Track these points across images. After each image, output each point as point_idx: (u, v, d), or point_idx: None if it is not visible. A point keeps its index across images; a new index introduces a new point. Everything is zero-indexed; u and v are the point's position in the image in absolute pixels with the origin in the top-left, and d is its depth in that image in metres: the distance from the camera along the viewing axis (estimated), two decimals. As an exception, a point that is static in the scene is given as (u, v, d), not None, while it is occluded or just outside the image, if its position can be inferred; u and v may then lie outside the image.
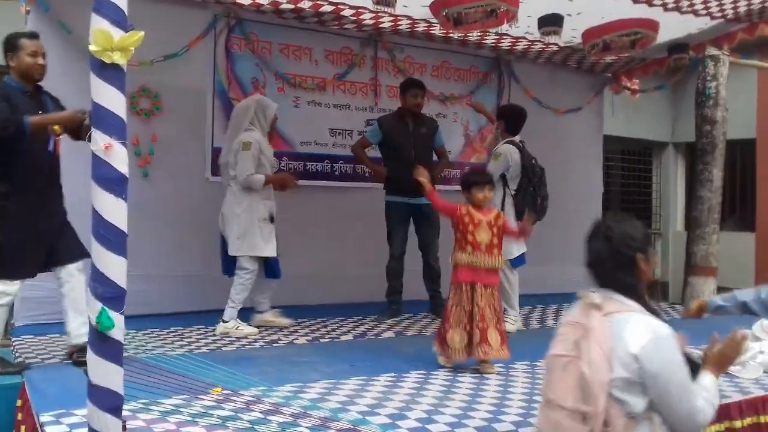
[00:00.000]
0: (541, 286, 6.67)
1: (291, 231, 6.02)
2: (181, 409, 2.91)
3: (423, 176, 4.09)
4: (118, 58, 2.01)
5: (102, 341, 2.03)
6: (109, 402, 2.07)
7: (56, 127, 3.62)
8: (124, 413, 2.72)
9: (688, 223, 7.66)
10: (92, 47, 2.03)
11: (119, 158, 2.03)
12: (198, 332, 4.77)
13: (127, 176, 2.06)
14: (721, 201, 7.27)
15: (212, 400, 3.06)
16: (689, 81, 8.15)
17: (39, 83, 3.74)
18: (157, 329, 4.74)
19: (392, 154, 5.54)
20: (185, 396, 3.12)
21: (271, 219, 4.93)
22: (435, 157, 5.79)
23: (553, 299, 6.56)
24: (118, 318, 2.02)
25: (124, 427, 2.14)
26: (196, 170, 5.63)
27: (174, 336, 4.62)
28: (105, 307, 2.00)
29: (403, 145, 5.51)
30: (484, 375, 3.72)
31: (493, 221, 3.86)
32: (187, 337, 4.60)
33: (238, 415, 2.84)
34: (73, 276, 3.76)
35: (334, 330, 5.05)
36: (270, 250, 4.89)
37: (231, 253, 4.81)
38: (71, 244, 3.77)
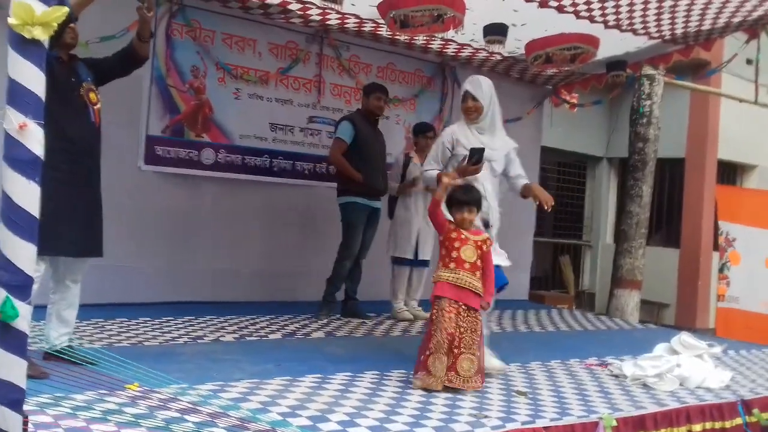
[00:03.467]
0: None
1: (225, 225, 5.95)
2: (93, 406, 2.79)
3: (450, 179, 3.64)
4: (39, 34, 1.90)
5: (5, 332, 1.92)
6: (10, 395, 1.96)
7: (92, 95, 3.43)
8: (31, 408, 2.62)
9: (616, 237, 7.86)
10: (11, 20, 1.92)
11: (34, 139, 1.92)
12: (120, 325, 4.61)
13: (42, 158, 1.95)
14: (648, 216, 7.50)
15: (127, 397, 2.94)
16: (625, 98, 8.38)
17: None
18: (77, 320, 4.49)
19: (362, 156, 5.42)
20: (99, 392, 2.99)
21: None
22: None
23: (503, 305, 6.61)
24: (23, 308, 1.92)
25: (25, 422, 2.03)
26: (128, 158, 5.45)
27: (94, 328, 4.45)
28: (10, 296, 1.89)
29: (372, 148, 5.48)
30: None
31: (481, 242, 3.63)
32: (108, 330, 4.44)
33: (153, 413, 2.74)
34: (68, 288, 3.53)
35: (263, 328, 4.97)
36: None
37: None
38: (92, 238, 3.49)
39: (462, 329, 3.50)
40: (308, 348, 4.46)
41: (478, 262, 3.60)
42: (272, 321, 5.24)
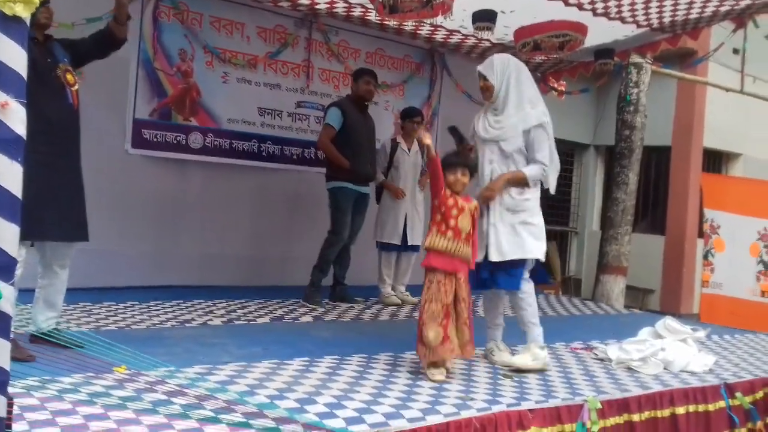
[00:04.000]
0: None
1: (214, 209, 5.93)
2: (80, 389, 2.79)
3: (428, 139, 3.70)
4: (21, 11, 1.88)
5: (-10, 313, 1.91)
6: (-5, 378, 1.95)
7: (69, 76, 3.38)
8: (17, 390, 2.61)
9: (603, 223, 7.91)
10: (-8, -3, 1.89)
11: (16, 118, 1.90)
12: (108, 309, 4.60)
13: (24, 138, 1.94)
14: (635, 204, 7.55)
15: (114, 380, 2.95)
16: (613, 86, 8.41)
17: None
18: (65, 304, 4.47)
19: (350, 142, 5.41)
20: (86, 375, 2.99)
21: None
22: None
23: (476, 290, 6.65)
24: (7, 289, 1.90)
25: (10, 405, 2.02)
26: (115, 141, 5.41)
27: (81, 312, 4.44)
28: (-7, 277, 1.88)
29: (361, 133, 5.47)
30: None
31: (473, 210, 3.60)
32: (95, 314, 4.42)
33: (140, 395, 2.75)
34: (55, 273, 3.50)
35: (251, 312, 4.97)
36: None
37: None
38: (75, 220, 3.44)
39: (459, 298, 3.49)
40: (296, 332, 4.47)
41: (472, 231, 3.57)
42: (260, 305, 5.24)
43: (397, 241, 5.73)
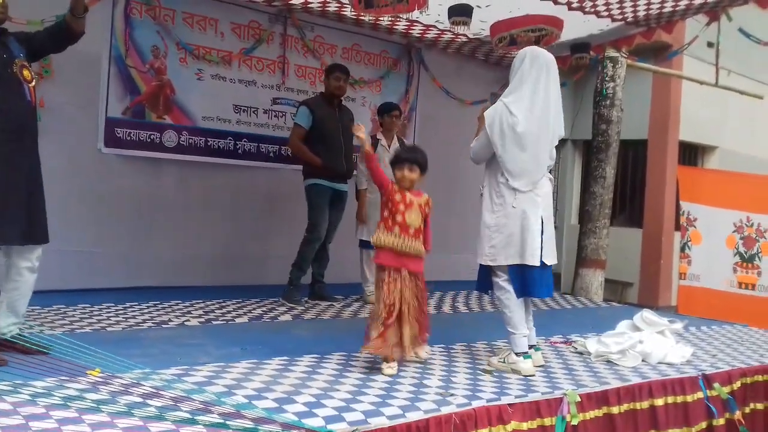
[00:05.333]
0: (441, 274, 6.76)
1: (189, 208, 5.87)
2: (54, 392, 2.73)
3: (361, 132, 3.62)
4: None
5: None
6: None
7: (26, 72, 3.26)
8: (-13, 395, 2.56)
9: (581, 217, 7.95)
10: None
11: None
12: (82, 311, 4.53)
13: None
14: (612, 197, 7.60)
15: (88, 383, 2.89)
16: (589, 80, 8.45)
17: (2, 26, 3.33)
18: (38, 307, 4.43)
19: (321, 139, 5.37)
20: (59, 378, 2.93)
21: None
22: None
23: (452, 286, 6.66)
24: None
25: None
26: (87, 140, 5.33)
27: (56, 314, 4.36)
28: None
29: (333, 130, 5.42)
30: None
31: (424, 204, 3.57)
32: (69, 316, 4.35)
33: (115, 398, 2.70)
34: (22, 277, 3.35)
35: (229, 312, 4.92)
36: None
37: None
38: (35, 221, 3.31)
39: (405, 297, 3.43)
40: (275, 331, 4.43)
41: (422, 226, 3.54)
42: (239, 305, 5.19)
43: (373, 237, 5.70)
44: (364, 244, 5.74)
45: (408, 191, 3.54)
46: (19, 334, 3.42)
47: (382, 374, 3.41)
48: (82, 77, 5.21)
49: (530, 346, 3.81)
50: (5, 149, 3.18)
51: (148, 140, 5.58)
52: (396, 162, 3.56)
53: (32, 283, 3.43)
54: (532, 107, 3.70)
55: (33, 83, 3.34)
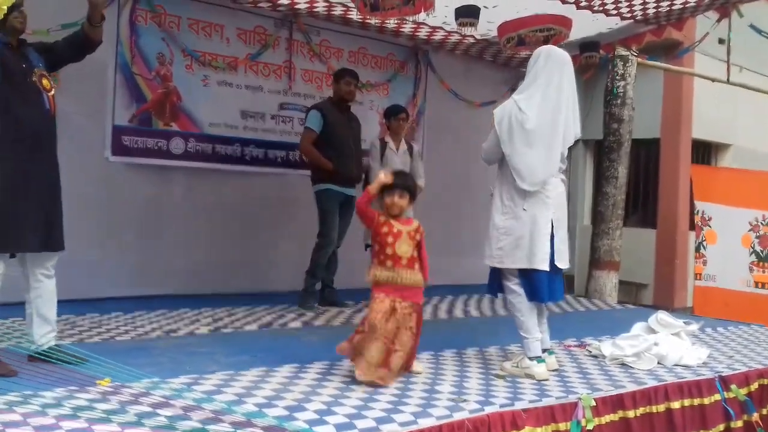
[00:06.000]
0: (451, 277, 6.72)
1: (197, 215, 5.85)
2: (63, 403, 2.71)
3: (387, 179, 3.44)
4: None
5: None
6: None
7: (45, 81, 3.29)
8: (0, 407, 2.53)
9: (593, 218, 7.88)
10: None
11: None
12: (91, 321, 4.51)
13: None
14: (625, 198, 7.53)
15: (98, 393, 2.86)
16: (600, 80, 8.38)
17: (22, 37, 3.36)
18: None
19: (332, 143, 5.33)
20: (69, 388, 2.91)
21: None
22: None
23: (464, 290, 6.60)
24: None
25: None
26: (94, 149, 5.32)
27: (65, 324, 4.34)
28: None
29: (344, 135, 5.39)
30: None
31: (414, 232, 3.45)
32: (78, 326, 4.33)
33: (125, 408, 2.67)
34: (41, 282, 3.39)
35: (238, 319, 4.88)
36: None
37: None
38: (53, 229, 3.34)
39: (399, 324, 3.32)
40: (285, 338, 4.40)
41: (415, 254, 3.43)
42: (248, 312, 5.16)
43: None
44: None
45: (396, 220, 3.44)
46: (56, 345, 3.43)
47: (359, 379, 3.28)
48: (88, 85, 5.20)
49: (544, 350, 3.75)
50: (25, 157, 3.22)
51: (155, 148, 5.56)
52: (386, 188, 3.45)
53: (53, 289, 3.45)
54: (544, 105, 3.65)
55: (52, 92, 3.38)
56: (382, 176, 3.44)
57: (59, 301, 4.57)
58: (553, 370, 3.72)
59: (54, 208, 3.40)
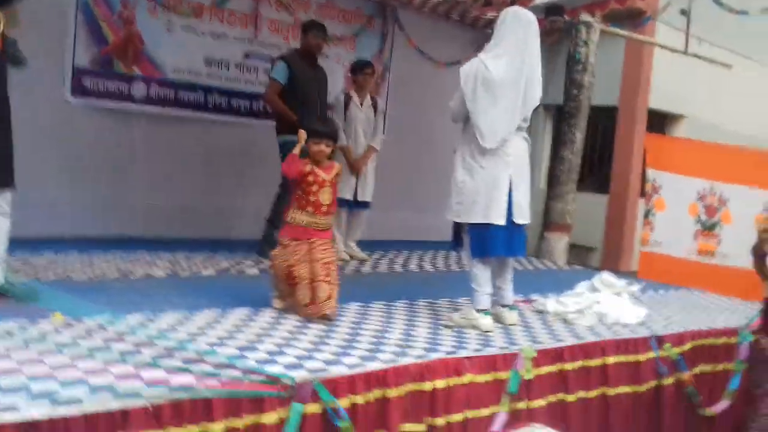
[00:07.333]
0: (410, 233, 6.85)
1: (159, 160, 5.83)
2: (14, 334, 2.76)
3: (302, 140, 3.70)
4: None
5: None
6: None
7: None
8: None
9: (549, 182, 8.04)
10: None
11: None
12: (47, 260, 4.51)
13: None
14: (580, 163, 7.68)
15: (51, 327, 2.92)
16: (563, 45, 8.44)
17: None
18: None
19: (297, 96, 5.30)
20: (19, 321, 2.95)
21: None
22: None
23: (421, 246, 6.74)
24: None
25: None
26: (55, 90, 5.24)
27: (21, 263, 4.33)
28: None
29: (310, 87, 5.37)
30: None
31: (334, 178, 3.70)
32: (33, 265, 4.34)
33: (77, 341, 2.73)
34: None
35: (196, 264, 4.93)
36: None
37: None
38: (3, 166, 3.31)
39: (326, 260, 3.57)
40: (242, 284, 4.48)
41: (333, 199, 3.69)
42: (207, 258, 5.20)
43: (349, 195, 5.72)
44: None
45: (320, 168, 3.64)
46: (8, 282, 3.43)
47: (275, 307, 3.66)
48: (49, 24, 5.11)
49: (506, 305, 3.92)
50: None
51: (117, 91, 5.51)
52: (314, 135, 3.64)
53: (6, 228, 3.45)
54: (509, 65, 3.74)
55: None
56: (304, 135, 3.66)
57: (14, 239, 4.58)
58: (512, 325, 3.89)
59: (3, 143, 3.35)
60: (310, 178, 3.60)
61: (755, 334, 3.95)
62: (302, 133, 3.71)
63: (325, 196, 3.62)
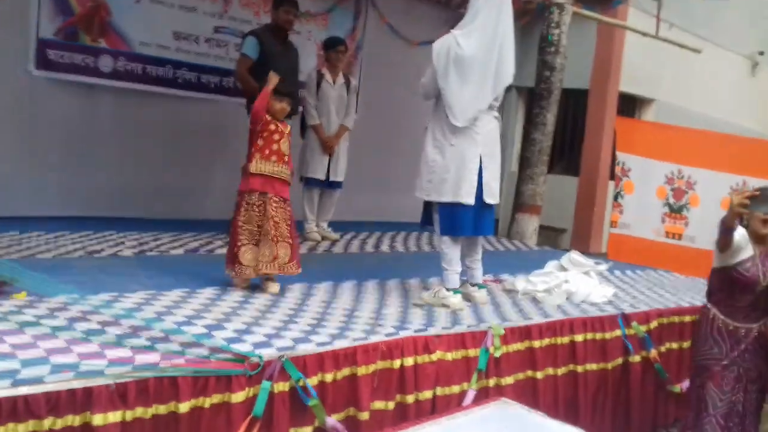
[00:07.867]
0: (381, 214, 6.83)
1: (126, 137, 5.72)
2: (-25, 313, 2.69)
3: (274, 82, 3.74)
4: None
5: None
6: None
7: None
8: None
9: (520, 163, 8.08)
10: None
11: None
12: (11, 238, 4.40)
13: None
14: (551, 145, 7.72)
15: (13, 306, 2.85)
16: (536, 27, 8.45)
17: None
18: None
19: (267, 71, 5.17)
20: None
21: None
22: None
23: (393, 227, 6.73)
24: None
25: None
26: (17, 62, 5.09)
27: (-20, 240, 4.24)
28: None
29: (280, 64, 5.26)
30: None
31: (288, 133, 3.81)
32: (-4, 242, 4.24)
33: (40, 321, 2.67)
34: None
35: (164, 244, 4.86)
36: None
37: None
38: None
39: (276, 219, 3.61)
40: (211, 264, 4.39)
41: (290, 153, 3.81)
42: (174, 238, 5.12)
43: (321, 176, 5.68)
44: (307, 182, 5.73)
45: (279, 122, 3.74)
46: None
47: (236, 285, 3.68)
48: (10, -6, 4.95)
49: (475, 284, 3.93)
50: None
51: (83, 64, 5.37)
52: (277, 93, 3.71)
53: None
54: (481, 42, 3.73)
55: None
56: (275, 79, 3.71)
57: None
58: (484, 304, 3.90)
59: None
60: (272, 127, 3.70)
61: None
62: (273, 75, 3.75)
63: (285, 146, 3.72)
